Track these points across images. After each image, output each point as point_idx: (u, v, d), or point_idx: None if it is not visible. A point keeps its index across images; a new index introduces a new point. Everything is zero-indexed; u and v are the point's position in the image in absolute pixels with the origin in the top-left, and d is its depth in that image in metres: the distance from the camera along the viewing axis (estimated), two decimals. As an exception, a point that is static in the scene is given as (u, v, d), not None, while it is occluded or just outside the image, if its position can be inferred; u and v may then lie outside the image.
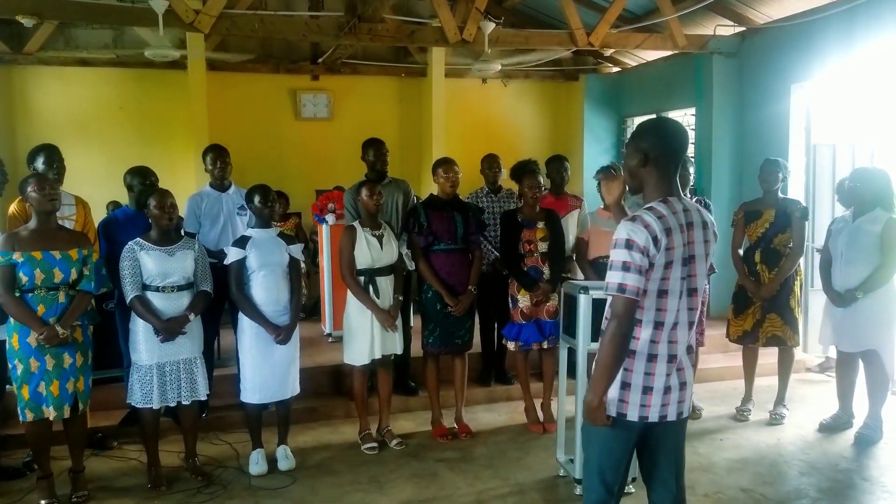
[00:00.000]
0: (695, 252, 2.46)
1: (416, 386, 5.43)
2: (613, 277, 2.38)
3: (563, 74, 9.57)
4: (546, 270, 4.76)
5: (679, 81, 7.90)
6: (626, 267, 2.35)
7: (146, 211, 4.00)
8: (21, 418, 3.71)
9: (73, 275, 3.73)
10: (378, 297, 4.49)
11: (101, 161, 7.91)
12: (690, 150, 6.72)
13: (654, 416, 2.50)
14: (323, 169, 8.60)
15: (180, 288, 4.01)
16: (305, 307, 6.62)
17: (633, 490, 3.69)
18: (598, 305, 3.68)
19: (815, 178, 6.49)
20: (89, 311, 3.87)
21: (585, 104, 9.39)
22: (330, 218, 6.22)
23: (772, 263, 4.97)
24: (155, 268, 3.94)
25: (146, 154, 7.19)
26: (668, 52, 7.70)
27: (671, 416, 2.53)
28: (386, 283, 4.54)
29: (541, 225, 4.79)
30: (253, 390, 4.25)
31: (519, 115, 9.67)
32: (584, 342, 3.82)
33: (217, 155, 5.02)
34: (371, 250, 4.49)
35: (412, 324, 5.40)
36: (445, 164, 4.80)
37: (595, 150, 9.23)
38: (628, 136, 9.08)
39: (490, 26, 6.49)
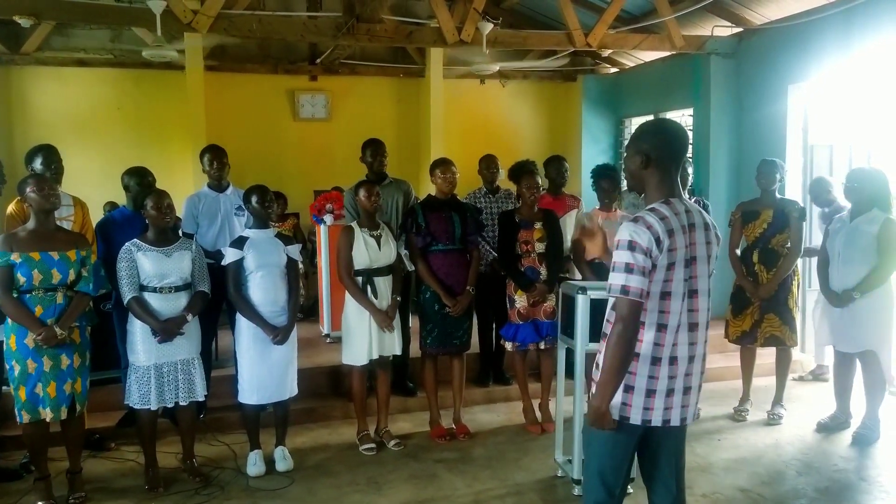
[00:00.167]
0: (696, 253, 2.45)
1: (414, 387, 5.43)
2: (616, 279, 2.36)
3: (561, 75, 9.56)
4: (543, 271, 4.77)
5: (677, 82, 7.90)
6: (629, 269, 2.33)
7: (143, 212, 4.00)
8: (18, 420, 3.71)
9: (72, 276, 3.72)
10: (376, 298, 4.49)
11: (98, 161, 7.88)
12: (688, 151, 6.71)
13: (657, 420, 2.48)
14: (321, 169, 8.60)
15: (178, 289, 4.00)
16: (303, 308, 6.61)
17: (632, 490, 3.69)
18: (596, 306, 3.68)
19: (812, 178, 6.49)
20: (87, 312, 3.86)
21: (583, 105, 9.38)
22: (328, 218, 6.21)
23: (770, 264, 4.98)
24: (152, 268, 3.93)
25: (144, 154, 7.17)
26: (666, 53, 7.70)
27: (674, 422, 2.51)
28: (384, 284, 4.54)
29: (538, 225, 4.79)
30: (251, 391, 4.24)
31: (517, 116, 9.66)
32: (582, 342, 3.82)
33: (214, 155, 5.01)
34: (369, 251, 4.48)
35: (411, 324, 5.40)
36: (443, 164, 4.80)
37: (593, 151, 9.22)
38: (626, 136, 9.17)
39: (488, 27, 6.49)
